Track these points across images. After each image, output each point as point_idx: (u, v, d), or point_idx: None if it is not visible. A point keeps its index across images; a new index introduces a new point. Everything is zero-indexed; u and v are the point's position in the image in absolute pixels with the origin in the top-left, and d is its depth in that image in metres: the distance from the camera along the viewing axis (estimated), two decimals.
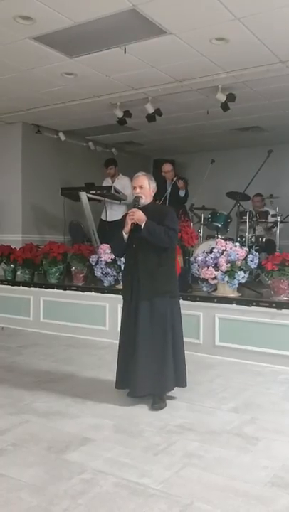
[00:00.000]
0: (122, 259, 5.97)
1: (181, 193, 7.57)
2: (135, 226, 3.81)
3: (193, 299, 5.57)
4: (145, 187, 3.92)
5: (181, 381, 3.90)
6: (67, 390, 4.14)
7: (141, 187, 3.92)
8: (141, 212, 3.79)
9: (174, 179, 7.53)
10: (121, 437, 3.21)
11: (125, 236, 3.88)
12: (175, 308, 3.92)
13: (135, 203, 3.89)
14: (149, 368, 3.73)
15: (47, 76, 6.25)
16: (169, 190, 7.50)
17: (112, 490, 2.52)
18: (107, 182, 8.07)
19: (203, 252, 5.63)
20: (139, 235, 3.78)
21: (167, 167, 7.73)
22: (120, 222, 4.01)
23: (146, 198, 3.93)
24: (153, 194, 4.01)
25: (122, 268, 4.29)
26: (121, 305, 5.63)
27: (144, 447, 3.04)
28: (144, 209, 3.84)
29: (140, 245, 3.83)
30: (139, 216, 3.77)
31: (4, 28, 4.91)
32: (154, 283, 3.78)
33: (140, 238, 3.79)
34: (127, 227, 3.84)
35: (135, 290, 3.83)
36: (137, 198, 3.90)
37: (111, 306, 6.13)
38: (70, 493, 2.48)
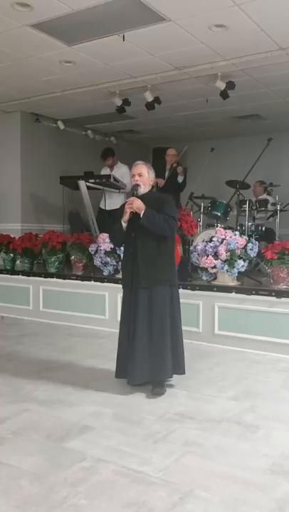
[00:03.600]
0: (122, 248, 6.00)
1: (180, 179, 7.56)
2: (134, 215, 3.78)
3: (193, 287, 5.58)
4: (144, 175, 3.89)
5: (180, 369, 3.92)
6: (67, 379, 4.15)
7: (140, 175, 3.89)
8: (139, 201, 3.76)
9: (174, 165, 7.52)
10: (121, 425, 3.22)
11: (124, 225, 3.86)
12: (174, 296, 3.92)
13: (133, 192, 3.86)
14: (148, 356, 3.74)
15: (45, 64, 6.20)
16: (166, 174, 7.50)
17: (112, 478, 2.53)
18: (105, 171, 8.04)
19: (203, 241, 5.63)
20: (138, 223, 3.75)
21: (172, 151, 7.80)
22: (119, 211, 3.98)
23: (145, 187, 3.90)
24: (151, 183, 3.98)
25: (122, 257, 4.25)
26: (121, 294, 5.68)
27: (144, 435, 3.06)
28: (143, 198, 3.81)
29: (139, 234, 3.80)
30: (138, 205, 3.74)
31: (1, 16, 4.86)
32: (153, 272, 3.77)
33: (139, 227, 3.76)
34: (126, 216, 3.81)
35: (135, 279, 3.82)
36: (135, 187, 3.87)
37: (111, 295, 6.13)
38: (70, 481, 2.49)
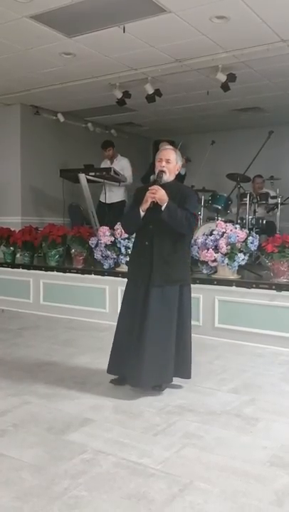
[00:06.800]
0: (123, 241, 5.98)
1: (182, 171, 7.53)
2: (154, 205, 3.52)
3: (193, 281, 5.49)
4: (172, 162, 3.59)
5: (185, 372, 3.75)
6: (67, 372, 4.16)
7: (168, 161, 3.59)
8: (163, 191, 3.49)
9: None
10: (121, 418, 3.23)
11: (142, 214, 3.57)
12: (185, 296, 3.69)
13: (157, 179, 3.56)
14: (157, 360, 3.54)
15: (45, 56, 6.17)
16: None
17: (113, 470, 2.54)
18: (105, 164, 8.03)
19: (204, 235, 5.62)
20: (158, 215, 3.52)
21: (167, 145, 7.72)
22: (136, 195, 3.74)
23: (170, 175, 3.61)
24: (177, 173, 3.70)
25: (132, 247, 3.95)
26: (121, 287, 5.67)
27: (144, 428, 3.07)
28: (165, 187, 3.54)
29: (157, 227, 3.55)
30: (161, 196, 3.48)
31: (1, 7, 4.83)
32: (167, 270, 3.56)
33: (158, 219, 3.51)
34: (146, 205, 3.52)
35: (146, 274, 3.56)
36: (160, 173, 3.57)
37: (111, 289, 6.13)
38: (71, 473, 2.50)
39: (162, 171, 3.58)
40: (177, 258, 3.63)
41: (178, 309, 3.66)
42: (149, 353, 3.51)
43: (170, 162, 3.61)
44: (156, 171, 3.63)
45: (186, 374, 3.76)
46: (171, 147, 3.72)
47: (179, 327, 3.67)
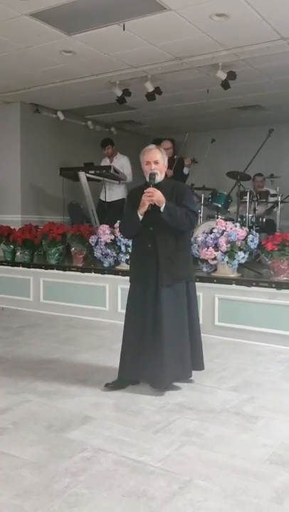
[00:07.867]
0: (123, 240, 5.97)
1: (186, 170, 7.54)
2: (152, 207, 3.52)
3: None
4: (160, 162, 3.59)
5: (199, 365, 3.81)
6: (67, 370, 4.16)
7: (156, 162, 3.58)
8: (160, 193, 3.48)
9: (175, 157, 7.49)
10: (121, 416, 3.23)
11: (140, 217, 3.57)
12: (191, 292, 3.76)
13: (150, 181, 3.54)
14: (175, 358, 3.57)
15: (45, 54, 6.16)
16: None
17: (113, 467, 2.55)
18: (105, 162, 8.03)
19: (203, 233, 5.62)
20: (157, 216, 3.51)
21: (167, 144, 7.66)
22: (129, 199, 3.75)
23: (161, 175, 3.62)
24: (165, 169, 3.69)
25: (133, 250, 3.92)
26: (122, 286, 5.68)
27: (144, 426, 3.07)
28: (159, 187, 3.54)
29: (158, 229, 3.56)
30: (159, 197, 3.47)
31: (0, 5, 4.82)
32: (173, 268, 3.58)
33: (158, 221, 3.52)
34: (144, 208, 3.52)
35: (153, 275, 3.56)
36: (152, 176, 3.55)
37: (111, 287, 6.13)
38: (71, 471, 2.50)
39: (155, 174, 3.57)
40: (181, 256, 3.66)
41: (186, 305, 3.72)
42: (167, 352, 3.54)
43: (158, 162, 3.60)
44: (148, 174, 3.61)
45: (199, 366, 3.83)
46: (154, 147, 3.71)
47: (188, 322, 3.72)
